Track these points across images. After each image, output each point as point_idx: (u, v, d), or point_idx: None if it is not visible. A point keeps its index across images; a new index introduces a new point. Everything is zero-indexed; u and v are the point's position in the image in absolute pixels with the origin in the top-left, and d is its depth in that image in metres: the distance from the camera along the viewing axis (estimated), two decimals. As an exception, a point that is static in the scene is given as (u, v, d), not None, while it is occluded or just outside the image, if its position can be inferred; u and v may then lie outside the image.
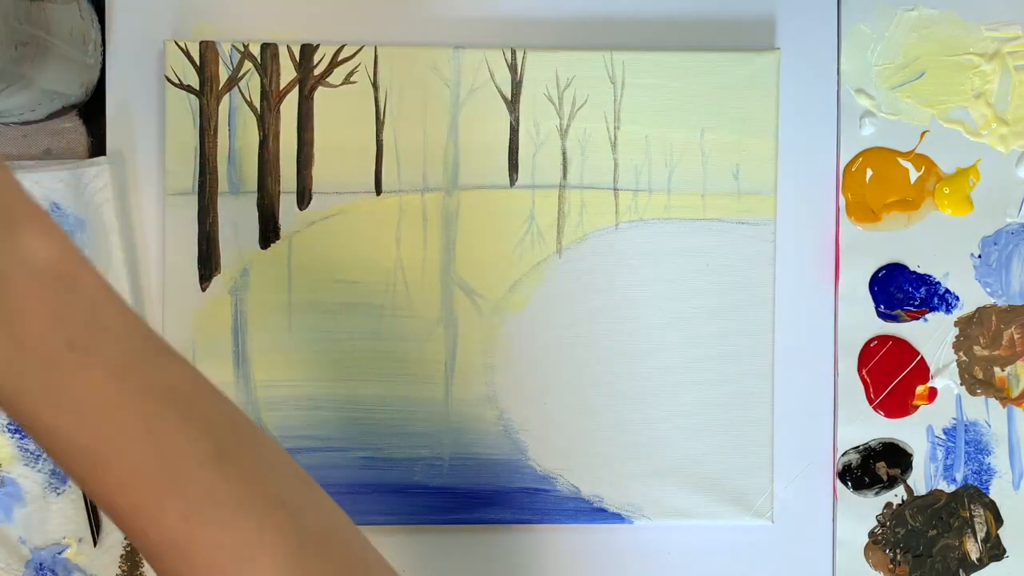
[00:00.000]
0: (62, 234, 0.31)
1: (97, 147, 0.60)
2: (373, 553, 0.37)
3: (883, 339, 0.62)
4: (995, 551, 0.63)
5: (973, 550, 0.63)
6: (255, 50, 0.59)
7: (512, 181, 0.60)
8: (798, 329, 0.62)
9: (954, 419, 0.62)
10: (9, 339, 0.29)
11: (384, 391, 0.60)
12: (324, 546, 0.34)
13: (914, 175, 0.63)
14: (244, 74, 0.59)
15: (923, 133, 0.62)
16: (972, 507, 0.63)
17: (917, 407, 0.62)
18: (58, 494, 0.59)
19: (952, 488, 0.63)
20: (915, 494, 0.62)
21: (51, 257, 0.30)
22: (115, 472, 0.31)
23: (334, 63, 0.59)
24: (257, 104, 0.59)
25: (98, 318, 0.31)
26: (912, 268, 0.62)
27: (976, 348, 0.63)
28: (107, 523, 0.59)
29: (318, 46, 0.59)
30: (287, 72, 0.59)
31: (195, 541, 0.31)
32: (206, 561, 0.31)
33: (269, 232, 0.60)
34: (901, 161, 0.62)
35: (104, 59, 0.60)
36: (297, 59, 0.59)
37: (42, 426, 0.30)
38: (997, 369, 0.63)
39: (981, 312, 0.63)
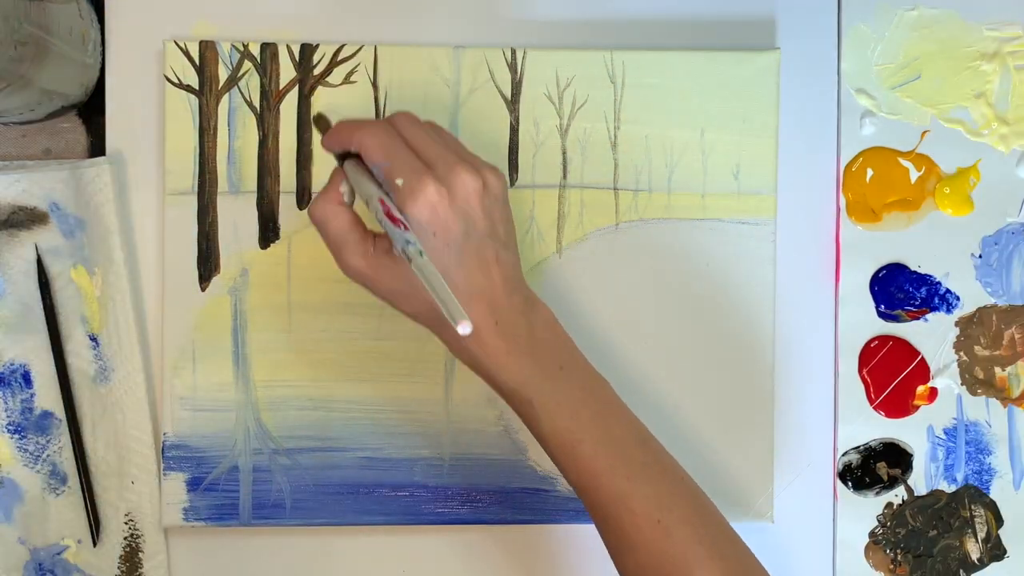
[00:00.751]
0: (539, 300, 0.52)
1: (97, 147, 0.60)
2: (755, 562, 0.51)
3: (883, 339, 0.62)
4: (995, 551, 0.63)
5: (974, 550, 0.62)
6: (255, 50, 0.59)
7: (512, 181, 0.60)
8: (798, 329, 0.62)
9: (954, 419, 0.62)
10: (533, 363, 0.49)
11: (384, 391, 0.60)
12: (700, 501, 0.50)
13: (914, 175, 0.63)
14: (244, 74, 0.59)
15: (923, 133, 0.62)
16: (972, 507, 0.62)
17: (917, 407, 0.62)
18: (57, 495, 0.59)
19: (952, 488, 0.62)
20: (915, 494, 0.62)
21: (550, 315, 0.51)
22: (585, 448, 0.49)
23: (334, 63, 0.59)
24: (257, 104, 0.59)
25: (573, 355, 0.51)
26: (912, 268, 0.62)
27: (977, 348, 0.63)
28: (106, 523, 0.59)
29: (318, 46, 0.59)
30: (287, 72, 0.59)
31: (634, 492, 0.48)
32: (641, 507, 0.48)
33: (269, 232, 0.60)
34: (901, 161, 0.62)
35: (104, 59, 0.60)
36: (297, 59, 0.59)
37: (539, 414, 0.49)
38: (998, 369, 0.63)
39: (981, 312, 0.63)
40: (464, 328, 0.42)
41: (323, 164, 0.60)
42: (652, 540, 0.48)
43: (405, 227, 0.46)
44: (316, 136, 0.60)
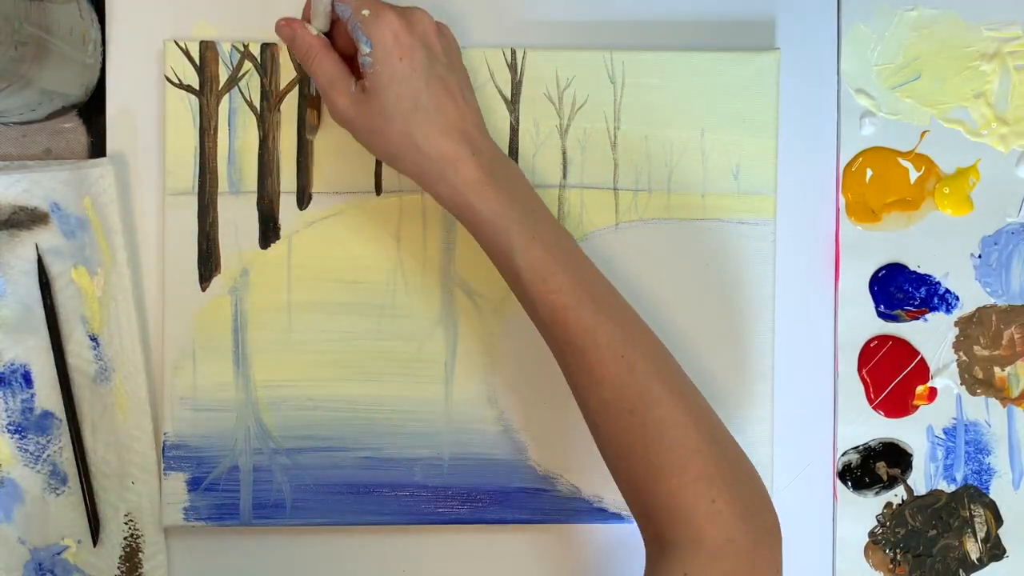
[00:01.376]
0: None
1: (97, 147, 0.60)
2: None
3: (883, 339, 0.62)
4: (995, 551, 0.63)
5: (973, 550, 0.63)
6: (255, 50, 0.59)
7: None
8: (798, 329, 0.62)
9: (954, 419, 0.63)
10: (510, 198, 0.51)
11: (384, 391, 0.60)
12: (664, 357, 0.52)
13: (914, 175, 0.63)
14: (244, 74, 0.59)
15: (923, 133, 0.62)
16: (972, 507, 0.63)
17: (917, 407, 0.63)
18: (58, 495, 0.59)
19: (952, 488, 0.63)
20: (915, 494, 0.62)
21: (519, 168, 0.54)
22: (557, 280, 0.51)
23: (334, 63, 0.59)
24: (257, 104, 0.59)
25: (541, 203, 0.53)
26: (912, 268, 0.62)
27: (976, 348, 0.63)
28: (106, 523, 0.59)
29: (318, 46, 0.59)
30: (287, 72, 0.59)
31: (600, 328, 0.50)
32: (606, 340, 0.50)
33: (269, 232, 0.60)
34: (901, 161, 0.62)
35: (104, 59, 0.60)
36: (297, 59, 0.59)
37: (515, 244, 0.51)
38: (997, 369, 0.63)
39: (981, 312, 0.63)
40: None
41: (323, 164, 0.60)
42: (616, 374, 0.50)
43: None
44: (316, 136, 0.60)
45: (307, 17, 0.54)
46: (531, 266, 0.51)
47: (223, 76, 0.59)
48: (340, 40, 0.54)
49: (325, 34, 0.54)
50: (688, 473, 0.49)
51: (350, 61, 0.53)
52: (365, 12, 0.51)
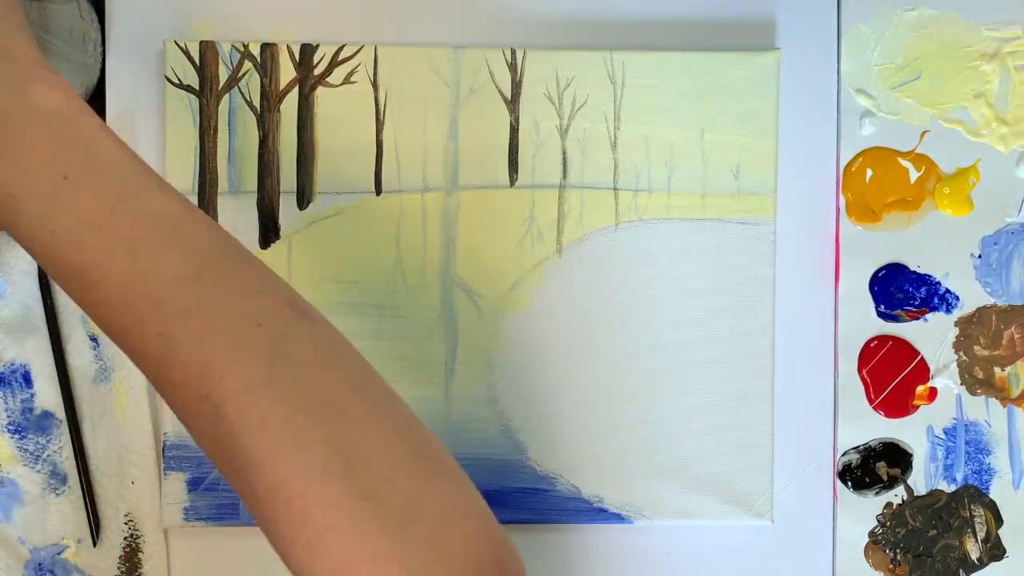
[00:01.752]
0: (65, 85, 0.37)
1: (97, 147, 0.60)
2: (370, 380, 0.37)
3: (883, 339, 0.62)
4: (995, 551, 0.63)
5: (973, 550, 0.63)
6: (255, 50, 0.59)
7: (512, 181, 0.60)
8: (798, 329, 0.62)
9: (954, 419, 0.62)
10: (14, 170, 0.34)
11: (384, 391, 0.60)
12: (301, 367, 0.35)
13: (914, 175, 0.63)
14: (244, 74, 0.59)
15: (923, 133, 0.62)
16: (972, 507, 0.63)
17: (917, 407, 0.62)
18: (58, 494, 0.59)
19: (952, 488, 0.63)
20: (915, 494, 0.62)
21: (53, 103, 0.35)
22: (102, 291, 0.34)
23: (334, 63, 0.59)
24: (257, 104, 0.59)
25: (92, 156, 0.36)
26: (912, 268, 0.62)
27: (976, 348, 0.63)
28: (106, 523, 0.59)
29: (318, 46, 0.59)
30: (287, 72, 0.59)
31: (170, 355, 0.34)
32: (181, 375, 0.34)
33: (269, 232, 0.60)
34: (901, 161, 0.62)
35: (104, 59, 0.60)
36: (297, 59, 0.59)
37: (39, 247, 0.35)
38: (997, 369, 0.63)
39: (981, 312, 0.63)
40: None
41: (324, 164, 0.60)
42: (201, 427, 0.34)
43: None
44: (316, 136, 0.60)
45: None
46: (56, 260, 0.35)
47: (223, 76, 0.59)
48: None
49: None
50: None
51: None
52: None
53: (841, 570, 0.62)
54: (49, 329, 0.59)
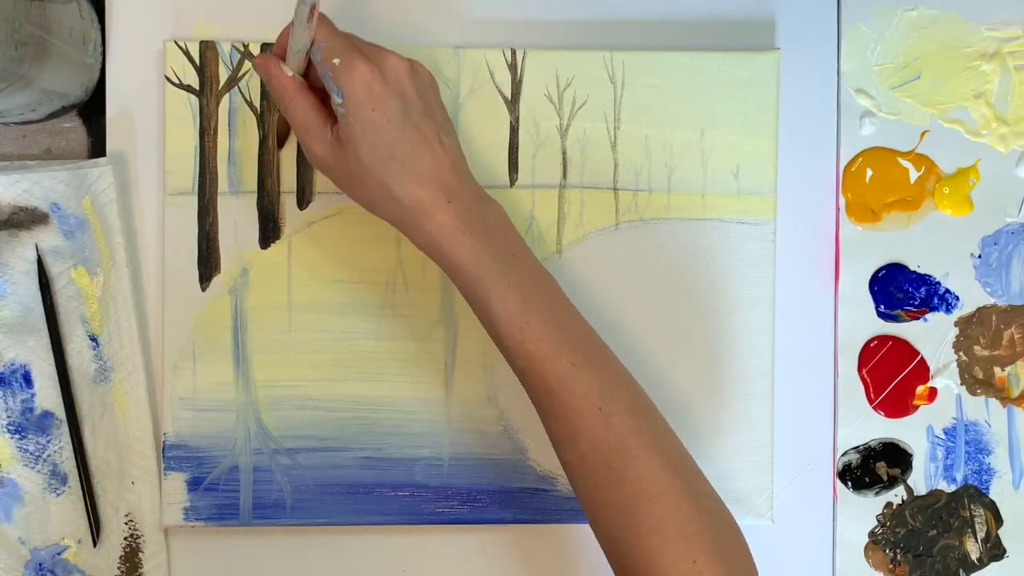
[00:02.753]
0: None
1: (97, 147, 0.60)
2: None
3: (883, 339, 0.62)
4: (995, 551, 0.63)
5: (973, 550, 0.63)
6: (255, 50, 0.59)
7: (512, 181, 0.60)
8: (798, 329, 0.62)
9: (954, 419, 0.63)
10: (487, 245, 0.50)
11: (384, 391, 0.60)
12: (652, 413, 0.52)
13: (914, 175, 0.63)
14: (244, 74, 0.59)
15: (923, 133, 0.62)
16: (972, 507, 0.63)
17: (917, 407, 0.63)
18: (58, 495, 0.59)
19: (952, 488, 0.63)
20: (915, 494, 0.62)
21: (501, 210, 0.53)
22: (533, 331, 0.50)
23: (334, 63, 0.59)
24: (257, 104, 0.59)
25: (521, 245, 0.53)
26: (912, 268, 0.62)
27: (976, 348, 0.63)
28: (106, 523, 0.59)
29: (318, 46, 0.59)
30: (287, 72, 0.59)
31: (577, 379, 0.49)
32: (583, 391, 0.49)
33: (269, 232, 0.60)
34: (901, 161, 0.62)
35: (104, 59, 0.60)
36: (297, 59, 0.59)
37: (491, 293, 0.50)
38: (997, 369, 0.63)
39: (981, 312, 0.63)
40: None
41: (323, 164, 0.60)
42: (593, 427, 0.49)
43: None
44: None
45: (281, 54, 0.53)
46: (507, 315, 0.50)
47: (223, 76, 0.59)
48: (317, 80, 0.53)
49: (303, 74, 0.53)
50: (668, 531, 0.47)
51: (327, 101, 0.52)
52: (336, 61, 0.50)
53: (841, 570, 0.62)
54: (49, 329, 0.59)
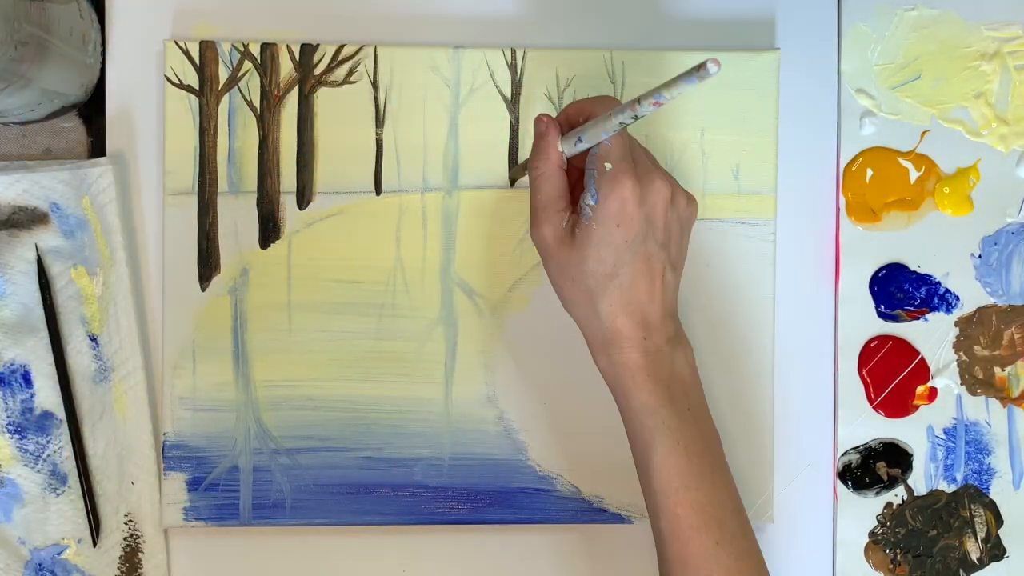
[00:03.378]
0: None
1: (97, 147, 0.60)
2: None
3: (883, 339, 0.62)
4: (995, 551, 0.63)
5: (973, 550, 0.63)
6: (255, 50, 0.59)
7: (512, 181, 0.60)
8: (798, 329, 0.62)
9: (954, 419, 0.63)
10: (666, 393, 0.50)
11: (384, 391, 0.60)
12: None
13: (914, 175, 0.63)
14: (244, 74, 0.59)
15: (923, 133, 0.62)
16: (972, 507, 0.63)
17: (917, 407, 0.62)
18: (57, 495, 0.59)
19: (952, 488, 0.63)
20: (915, 494, 0.62)
21: (691, 354, 0.53)
22: (688, 495, 0.49)
23: (334, 63, 0.59)
24: (257, 104, 0.59)
25: (700, 397, 0.52)
26: (912, 268, 0.62)
27: (976, 348, 0.63)
28: (106, 523, 0.59)
29: (318, 46, 0.59)
30: (287, 72, 0.59)
31: (718, 561, 0.49)
32: (726, 572, 0.49)
33: (269, 232, 0.60)
34: (901, 161, 0.62)
35: (104, 59, 0.60)
36: (297, 59, 0.59)
37: (658, 446, 0.50)
38: (997, 369, 0.63)
39: (981, 312, 0.63)
40: (713, 67, 0.43)
41: (324, 164, 0.60)
42: None
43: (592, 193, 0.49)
44: (316, 136, 0.60)
45: (564, 123, 0.52)
46: (667, 473, 0.50)
47: (223, 76, 0.59)
48: (578, 160, 0.52)
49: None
50: None
51: (575, 185, 0.52)
52: (608, 165, 0.49)
53: (841, 570, 0.62)
54: (49, 329, 0.59)
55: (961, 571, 0.62)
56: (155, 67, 0.60)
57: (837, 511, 0.62)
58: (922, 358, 0.62)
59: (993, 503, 0.63)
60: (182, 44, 0.59)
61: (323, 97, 0.60)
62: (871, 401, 0.62)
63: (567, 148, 0.51)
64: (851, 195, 0.62)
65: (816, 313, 0.62)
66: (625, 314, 0.50)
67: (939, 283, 0.63)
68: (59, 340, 0.59)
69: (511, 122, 0.60)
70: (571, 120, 0.52)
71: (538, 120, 0.52)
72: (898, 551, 0.62)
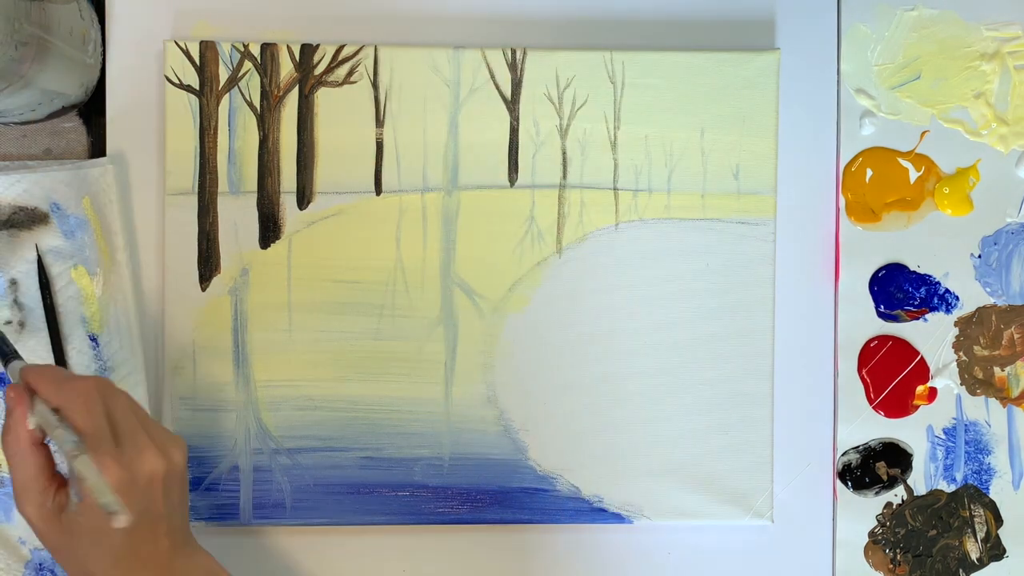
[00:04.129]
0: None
1: (97, 147, 0.61)
2: None
3: (883, 339, 0.62)
4: (995, 551, 0.63)
5: (973, 550, 0.63)
6: (255, 50, 0.59)
7: (512, 181, 0.60)
8: (798, 329, 0.62)
9: (954, 419, 0.63)
10: None
11: (384, 391, 0.60)
12: None
13: (914, 175, 0.63)
14: (244, 74, 0.59)
15: (923, 133, 0.62)
16: (972, 507, 0.63)
17: (917, 407, 0.63)
18: (58, 494, 0.59)
19: (952, 488, 0.63)
20: (915, 494, 0.62)
21: (209, 562, 0.52)
22: None
23: (334, 63, 0.59)
24: (257, 104, 0.60)
25: None
26: (912, 268, 0.62)
27: (976, 348, 0.63)
28: (107, 523, 0.59)
29: (318, 46, 0.59)
30: (287, 72, 0.59)
31: None
32: None
33: (269, 232, 0.60)
34: (901, 161, 0.62)
35: (104, 59, 0.60)
36: (297, 59, 0.59)
37: None
38: (997, 369, 0.63)
39: (981, 312, 0.63)
40: (119, 521, 0.44)
41: (324, 164, 0.60)
42: None
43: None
44: (316, 136, 0.60)
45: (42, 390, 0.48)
46: None
47: (223, 76, 0.59)
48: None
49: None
50: None
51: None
52: (85, 458, 0.45)
53: (841, 570, 0.62)
54: (49, 329, 0.59)
55: (961, 571, 0.62)
56: (155, 67, 0.60)
57: (837, 511, 0.62)
58: (922, 358, 0.62)
59: (993, 503, 0.63)
60: (182, 44, 0.59)
61: (323, 97, 0.60)
62: (871, 401, 0.62)
63: (42, 420, 0.47)
64: (851, 195, 0.62)
65: (816, 313, 0.62)
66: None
67: (939, 283, 0.63)
68: (59, 340, 0.59)
69: (511, 122, 0.60)
70: (46, 396, 0.47)
71: (6, 396, 0.48)
72: (898, 551, 0.62)
